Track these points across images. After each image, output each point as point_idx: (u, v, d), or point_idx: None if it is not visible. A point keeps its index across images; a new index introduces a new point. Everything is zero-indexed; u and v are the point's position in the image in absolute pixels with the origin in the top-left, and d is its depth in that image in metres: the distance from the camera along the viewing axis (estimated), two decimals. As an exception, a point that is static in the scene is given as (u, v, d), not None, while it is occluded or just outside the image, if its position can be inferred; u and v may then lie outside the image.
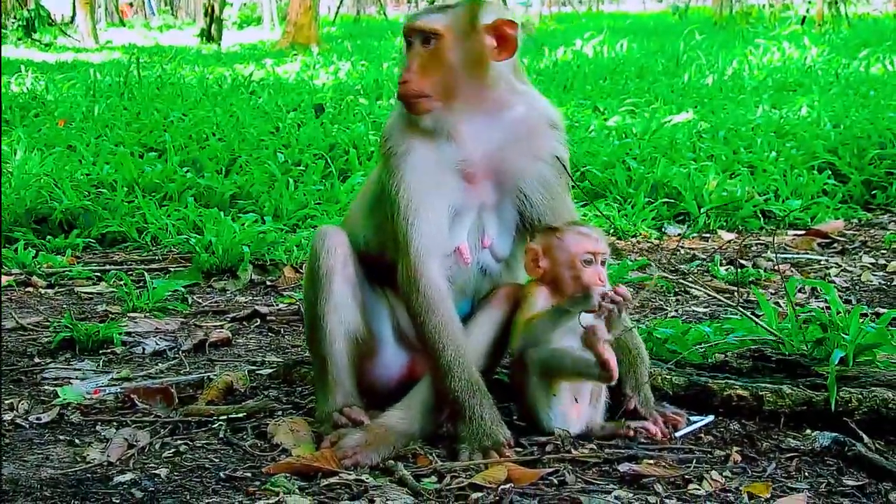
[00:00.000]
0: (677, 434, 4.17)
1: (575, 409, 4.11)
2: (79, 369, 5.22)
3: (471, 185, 4.19)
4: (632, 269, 6.77)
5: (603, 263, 4.21)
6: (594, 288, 4.06)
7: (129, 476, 3.84)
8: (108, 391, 4.82)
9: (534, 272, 4.23)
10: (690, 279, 6.64)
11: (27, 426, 4.42)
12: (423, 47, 4.14)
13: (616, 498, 3.60)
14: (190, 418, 4.44)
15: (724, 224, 8.63)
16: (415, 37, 4.16)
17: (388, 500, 3.59)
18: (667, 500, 3.59)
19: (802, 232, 8.37)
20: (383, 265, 4.30)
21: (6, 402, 4.64)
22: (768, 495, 3.62)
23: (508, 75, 4.22)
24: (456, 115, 4.16)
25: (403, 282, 4.13)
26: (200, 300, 6.63)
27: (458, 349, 4.05)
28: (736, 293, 5.96)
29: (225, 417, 4.41)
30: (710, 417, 4.28)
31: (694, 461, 3.90)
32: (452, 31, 4.12)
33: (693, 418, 4.27)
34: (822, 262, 7.41)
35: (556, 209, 4.28)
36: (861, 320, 4.62)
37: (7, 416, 4.49)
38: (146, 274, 6.86)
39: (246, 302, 6.58)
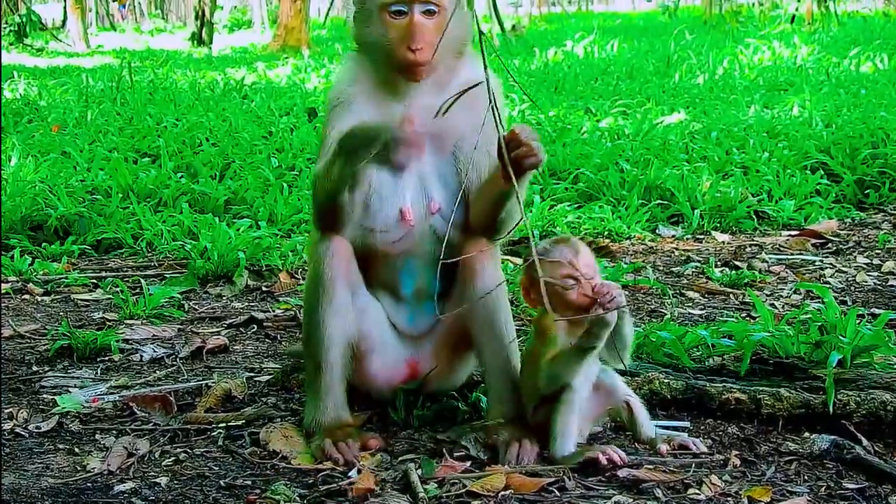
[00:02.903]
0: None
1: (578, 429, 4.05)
2: (77, 377, 5.22)
3: (408, 147, 4.22)
4: (626, 272, 6.79)
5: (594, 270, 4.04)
6: (603, 306, 3.89)
7: (129, 485, 3.84)
8: (106, 399, 4.82)
9: (531, 303, 4.16)
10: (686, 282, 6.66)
11: (27, 435, 4.42)
12: (425, 17, 4.16)
13: (616, 503, 3.61)
14: (189, 426, 4.44)
15: (718, 225, 8.65)
16: (415, 7, 4.16)
17: (388, 506, 3.61)
18: (667, 505, 3.61)
19: (796, 232, 8.38)
20: None
21: (5, 411, 4.64)
22: (768, 499, 3.62)
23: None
24: (425, 84, 4.23)
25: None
26: (197, 306, 6.63)
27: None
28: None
29: (224, 425, 4.42)
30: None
31: (693, 465, 3.90)
32: (451, 6, 4.18)
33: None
34: (816, 263, 7.41)
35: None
36: (858, 322, 4.64)
37: (6, 426, 4.49)
38: (142, 280, 6.86)
39: (242, 308, 6.58)
